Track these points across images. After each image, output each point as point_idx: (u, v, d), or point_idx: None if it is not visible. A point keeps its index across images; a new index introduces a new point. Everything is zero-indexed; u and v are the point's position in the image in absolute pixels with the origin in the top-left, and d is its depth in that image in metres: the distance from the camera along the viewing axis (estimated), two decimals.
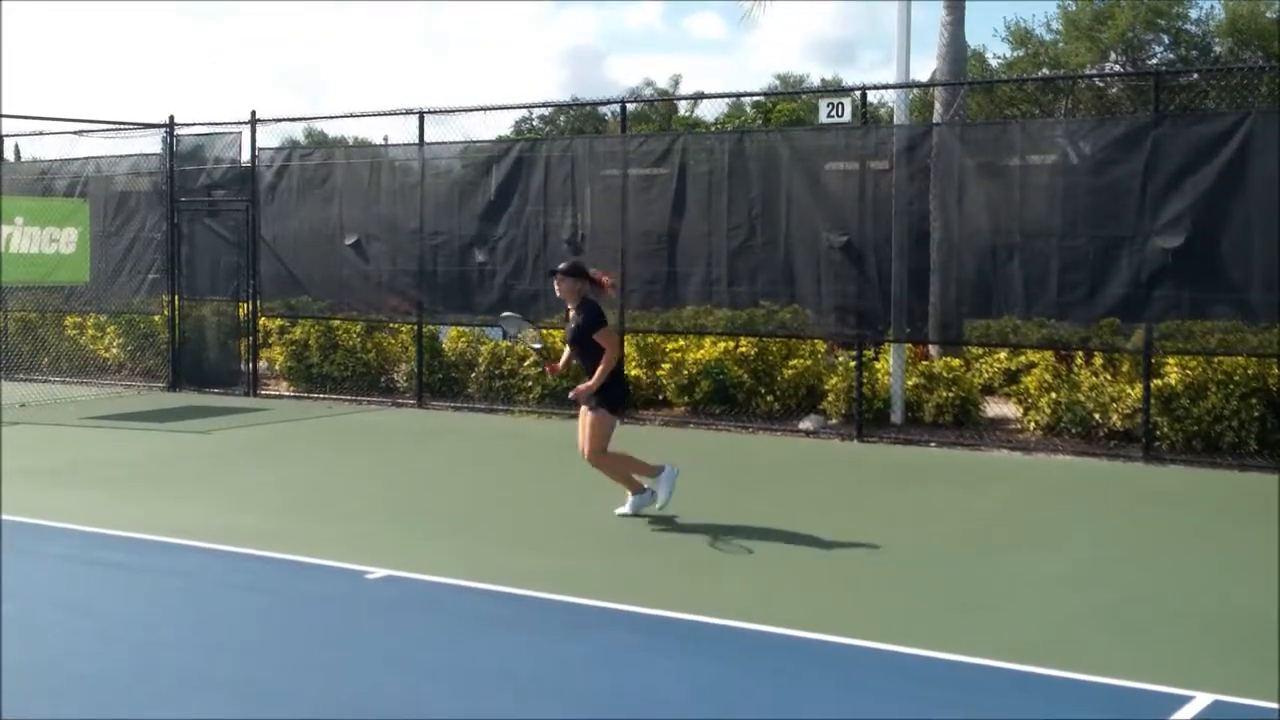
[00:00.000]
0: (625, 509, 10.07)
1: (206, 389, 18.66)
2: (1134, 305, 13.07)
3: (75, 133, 19.84)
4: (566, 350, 10.25)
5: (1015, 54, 39.57)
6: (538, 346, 10.85)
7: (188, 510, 10.18)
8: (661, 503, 10.03)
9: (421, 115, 17.29)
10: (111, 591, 8.10)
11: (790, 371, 15.49)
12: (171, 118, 19.02)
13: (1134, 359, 13.54)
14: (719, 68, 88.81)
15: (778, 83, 51.96)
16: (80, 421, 15.63)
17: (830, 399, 15.13)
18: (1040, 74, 36.75)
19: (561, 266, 10.18)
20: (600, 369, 9.73)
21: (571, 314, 10.08)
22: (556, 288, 10.12)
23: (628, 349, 16.03)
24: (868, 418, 14.65)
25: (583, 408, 9.98)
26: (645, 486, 10.11)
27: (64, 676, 6.31)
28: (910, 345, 15.08)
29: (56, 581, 8.32)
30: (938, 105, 17.24)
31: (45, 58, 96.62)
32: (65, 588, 8.15)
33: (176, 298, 19.13)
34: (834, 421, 15.02)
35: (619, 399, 10.08)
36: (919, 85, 18.47)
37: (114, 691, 6.12)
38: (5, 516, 9.93)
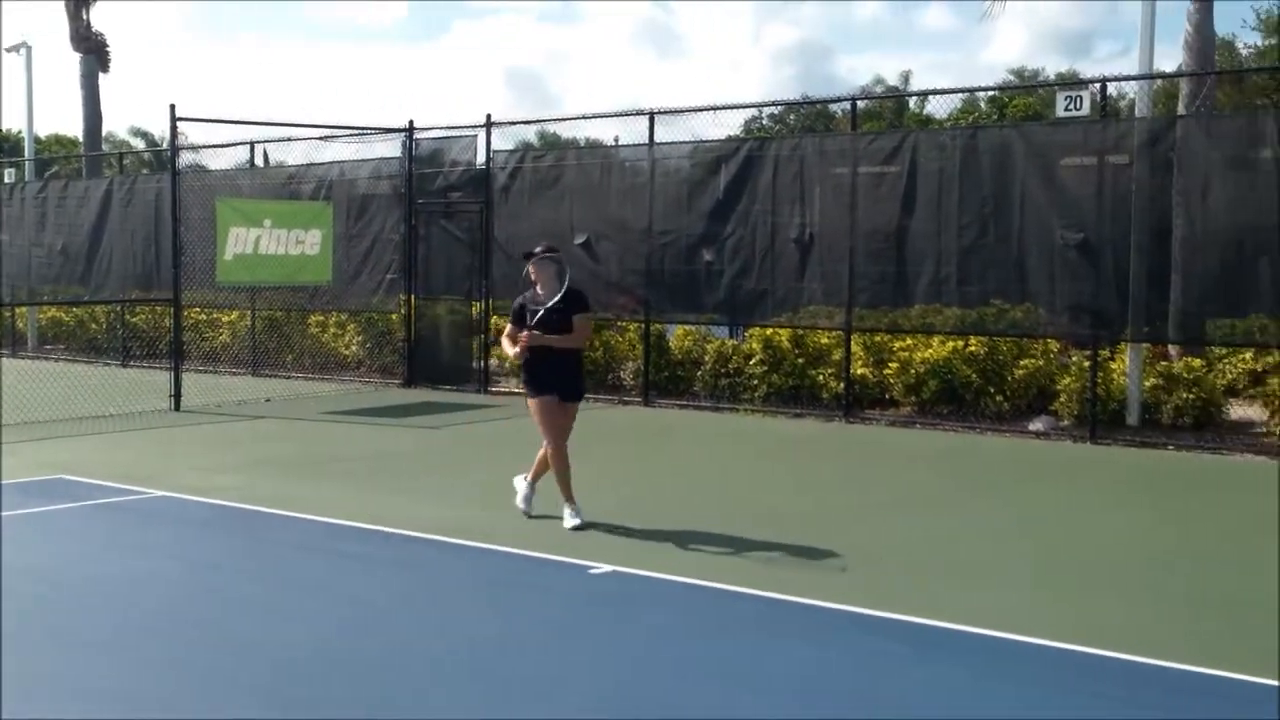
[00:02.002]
0: (576, 521, 9.65)
1: (440, 386, 19.15)
2: None
3: (320, 138, 20.62)
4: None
5: (1267, 42, 37.82)
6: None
7: (420, 503, 10.45)
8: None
9: (652, 116, 17.44)
10: (348, 580, 8.36)
11: (1021, 371, 15.15)
12: (411, 122, 19.60)
13: None
14: (950, 62, 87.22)
15: (1012, 77, 50.87)
16: (320, 416, 16.23)
17: (1062, 399, 14.74)
18: None
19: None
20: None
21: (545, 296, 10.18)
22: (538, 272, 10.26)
23: (855, 348, 15.91)
24: (1101, 419, 14.21)
25: (566, 403, 10.03)
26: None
27: (307, 657, 6.55)
28: (1148, 345, 14.57)
29: (296, 569, 8.64)
30: (1183, 97, 16.63)
31: (290, 68, 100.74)
32: (304, 574, 8.46)
33: (413, 297, 19.68)
34: (1065, 423, 14.62)
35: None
36: (1164, 76, 17.83)
37: (361, 676, 6.30)
38: (249, 506, 10.38)
